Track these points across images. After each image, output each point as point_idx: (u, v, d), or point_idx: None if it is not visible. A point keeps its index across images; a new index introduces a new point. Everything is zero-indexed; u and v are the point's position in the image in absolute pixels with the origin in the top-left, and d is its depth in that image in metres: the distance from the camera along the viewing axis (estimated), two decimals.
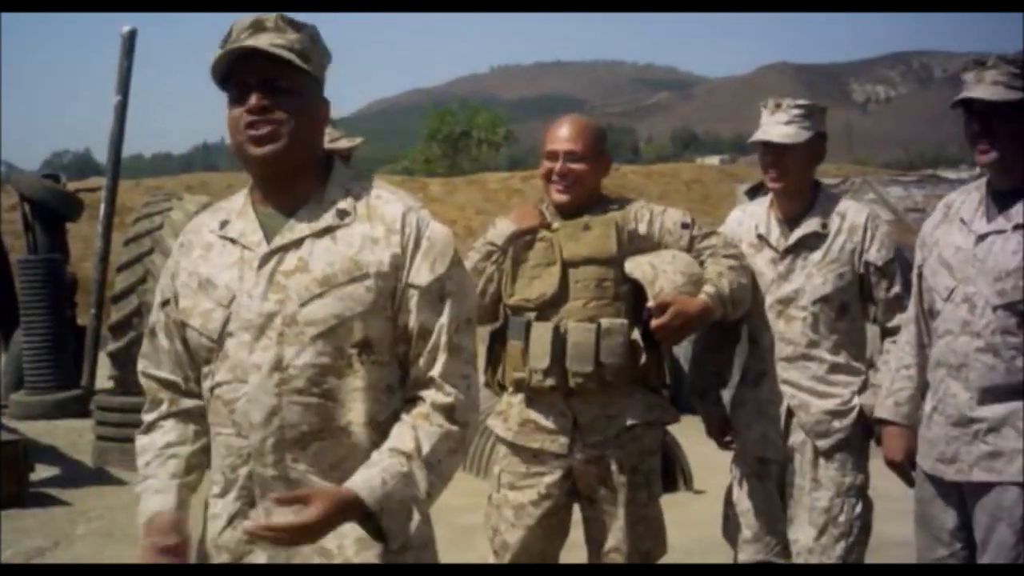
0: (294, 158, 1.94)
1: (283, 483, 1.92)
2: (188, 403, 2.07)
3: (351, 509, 1.80)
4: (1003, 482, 2.78)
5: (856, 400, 3.24)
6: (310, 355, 1.91)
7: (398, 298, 1.94)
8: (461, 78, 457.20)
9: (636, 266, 3.08)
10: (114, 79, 9.38)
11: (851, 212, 3.30)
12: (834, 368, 3.26)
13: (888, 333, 3.26)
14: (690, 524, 4.98)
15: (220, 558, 1.99)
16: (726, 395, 3.55)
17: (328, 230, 1.95)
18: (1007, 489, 2.78)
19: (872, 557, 3.35)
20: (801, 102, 3.27)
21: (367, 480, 1.82)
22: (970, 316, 2.82)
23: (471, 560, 3.97)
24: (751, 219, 3.39)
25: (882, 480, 3.32)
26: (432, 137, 50.77)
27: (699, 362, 3.58)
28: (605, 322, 3.06)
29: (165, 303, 2.07)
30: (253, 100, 1.91)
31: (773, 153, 3.25)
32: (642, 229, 3.15)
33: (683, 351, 6.06)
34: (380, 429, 1.93)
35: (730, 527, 3.44)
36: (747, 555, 3.38)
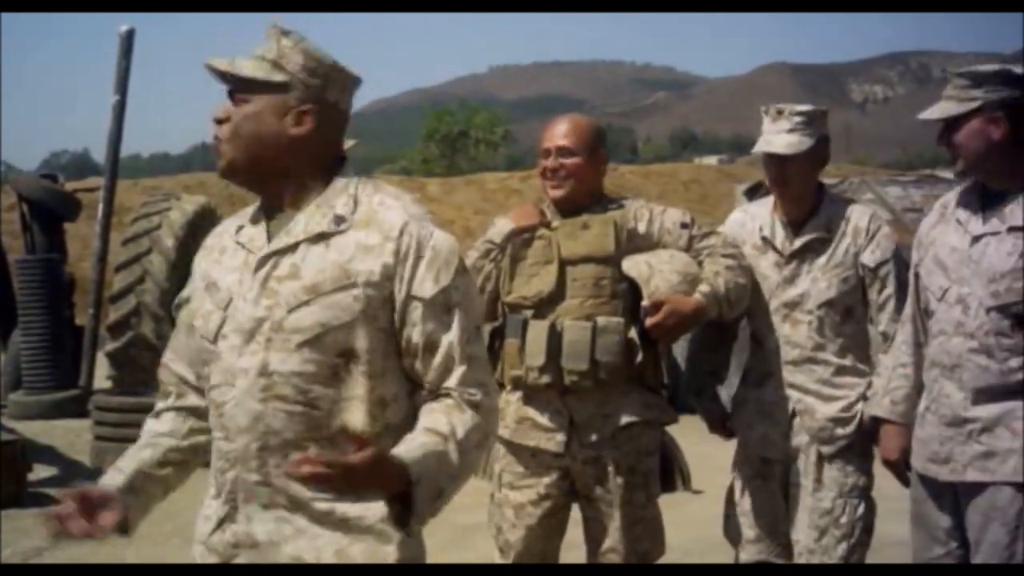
0: (249, 168, 1.97)
1: (266, 489, 1.91)
2: (193, 400, 2.09)
3: (395, 473, 1.74)
4: (996, 482, 2.79)
5: (860, 406, 3.23)
6: (295, 362, 1.89)
7: (399, 310, 1.91)
8: (460, 78, 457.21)
9: (633, 265, 3.08)
10: (112, 79, 9.38)
11: (855, 215, 3.29)
12: (840, 370, 3.25)
13: (884, 337, 3.24)
14: (688, 524, 4.98)
15: (210, 559, 1.99)
16: (724, 394, 3.55)
17: (323, 236, 1.93)
18: (1000, 489, 2.78)
19: (870, 557, 3.35)
20: (802, 108, 3.25)
21: (409, 451, 1.78)
22: (964, 317, 2.83)
23: (471, 560, 3.97)
24: (754, 221, 3.38)
25: (879, 479, 3.32)
26: (430, 137, 50.76)
27: (695, 361, 3.59)
28: (601, 320, 3.07)
29: (186, 301, 2.10)
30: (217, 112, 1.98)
31: (777, 163, 3.25)
32: (641, 228, 3.16)
33: (681, 351, 6.05)
34: (372, 442, 1.86)
35: (731, 527, 3.43)
36: (748, 555, 3.38)
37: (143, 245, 9.28)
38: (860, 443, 3.25)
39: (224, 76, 1.97)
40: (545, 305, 3.11)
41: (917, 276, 3.02)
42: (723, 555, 3.58)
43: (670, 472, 6.42)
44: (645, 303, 3.03)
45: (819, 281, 3.25)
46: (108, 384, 9.50)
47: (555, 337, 3.07)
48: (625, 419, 3.11)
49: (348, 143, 4.02)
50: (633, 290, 3.09)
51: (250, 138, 1.96)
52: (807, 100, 3.36)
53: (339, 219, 1.93)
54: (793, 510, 3.31)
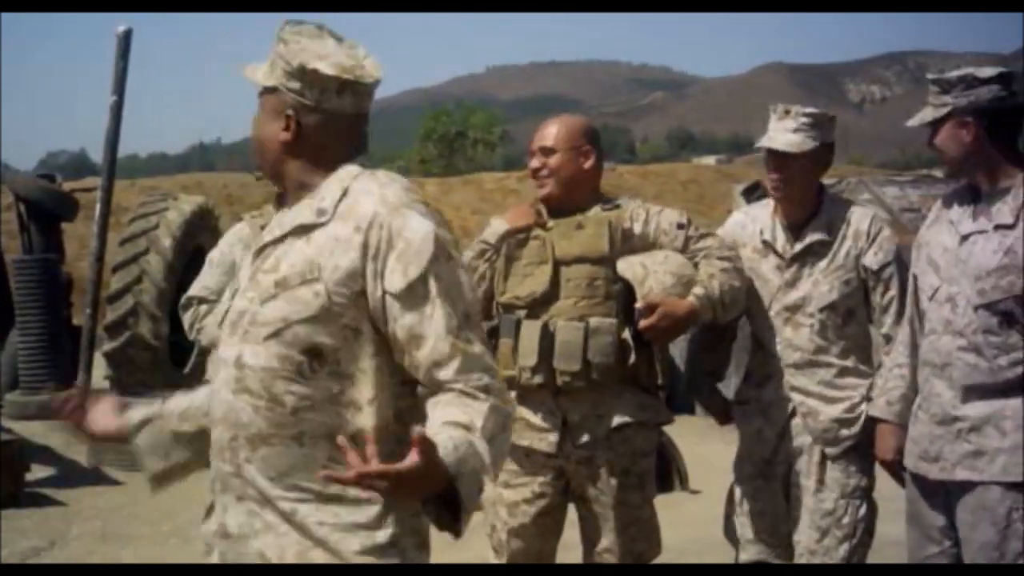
0: (260, 167, 2.05)
1: (238, 481, 1.91)
2: None
3: (439, 473, 1.67)
4: (985, 481, 2.80)
5: (864, 407, 3.22)
6: (263, 357, 1.88)
7: (377, 307, 1.84)
8: (458, 78, 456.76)
9: (628, 266, 3.09)
10: (110, 79, 9.37)
11: (855, 217, 3.27)
12: (843, 372, 3.25)
13: (886, 339, 3.23)
14: (686, 524, 4.99)
15: (202, 545, 2.03)
16: (724, 393, 3.55)
17: (305, 229, 1.91)
18: (989, 488, 2.80)
19: (869, 557, 3.35)
20: (810, 110, 3.24)
21: (440, 446, 1.69)
22: (953, 315, 2.84)
23: (470, 560, 3.97)
24: (755, 224, 3.37)
25: (876, 480, 3.32)
26: (427, 137, 50.82)
27: (694, 361, 3.59)
28: (594, 321, 3.07)
29: (195, 299, 2.24)
30: None
31: (777, 160, 3.25)
32: (637, 228, 3.15)
33: (679, 351, 6.06)
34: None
35: (731, 527, 3.43)
36: (749, 555, 3.37)
37: (140, 245, 9.27)
38: (863, 444, 3.25)
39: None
40: (539, 305, 3.11)
41: (915, 277, 3.03)
42: (721, 555, 3.58)
43: (668, 472, 6.47)
44: (639, 305, 3.03)
45: (820, 284, 3.24)
46: (106, 384, 9.49)
47: (547, 337, 3.07)
48: (618, 420, 3.11)
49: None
50: (628, 291, 3.09)
51: (255, 141, 2.01)
52: (804, 100, 3.37)
53: (321, 211, 1.90)
54: (794, 511, 3.31)
